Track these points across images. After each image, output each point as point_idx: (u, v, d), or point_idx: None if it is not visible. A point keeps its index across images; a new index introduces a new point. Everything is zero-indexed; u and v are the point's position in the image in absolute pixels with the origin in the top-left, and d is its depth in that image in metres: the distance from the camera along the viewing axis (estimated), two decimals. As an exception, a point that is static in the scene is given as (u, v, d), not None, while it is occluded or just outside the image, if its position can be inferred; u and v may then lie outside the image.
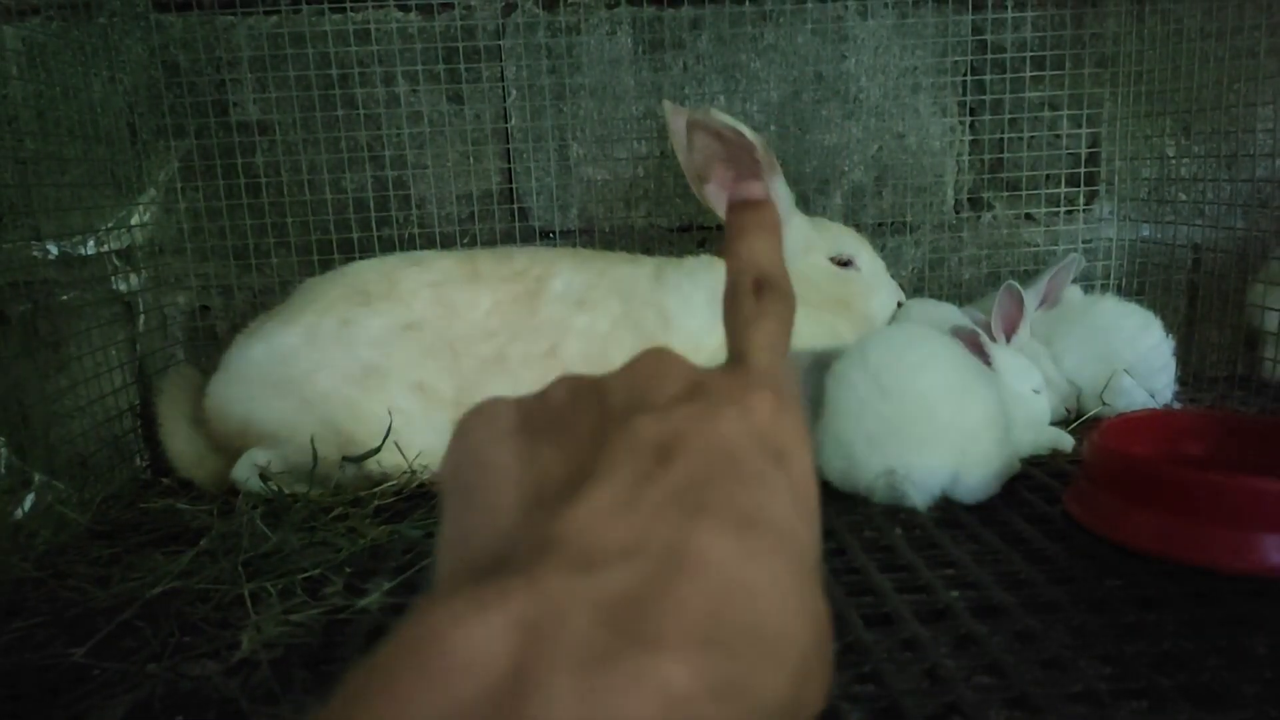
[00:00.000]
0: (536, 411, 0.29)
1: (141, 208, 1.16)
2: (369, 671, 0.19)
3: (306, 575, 0.72)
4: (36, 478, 0.90)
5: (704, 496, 0.24)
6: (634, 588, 0.21)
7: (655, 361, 0.29)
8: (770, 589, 0.23)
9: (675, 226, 1.29)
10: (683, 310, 1.01)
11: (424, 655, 0.19)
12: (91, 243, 1.06)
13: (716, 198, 1.07)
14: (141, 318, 1.16)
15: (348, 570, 0.74)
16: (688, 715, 0.19)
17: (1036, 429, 0.98)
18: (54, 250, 1.01)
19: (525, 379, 0.95)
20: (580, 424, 0.28)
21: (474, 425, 0.30)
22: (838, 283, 1.10)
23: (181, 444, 0.99)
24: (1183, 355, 1.10)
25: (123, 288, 1.13)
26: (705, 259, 1.09)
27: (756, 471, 0.26)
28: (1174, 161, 1.30)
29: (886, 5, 1.25)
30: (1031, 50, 1.27)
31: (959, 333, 0.96)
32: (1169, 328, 1.09)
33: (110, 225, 1.10)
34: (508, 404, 0.30)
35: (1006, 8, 1.26)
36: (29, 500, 0.88)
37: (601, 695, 0.18)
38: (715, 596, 0.21)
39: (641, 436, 0.26)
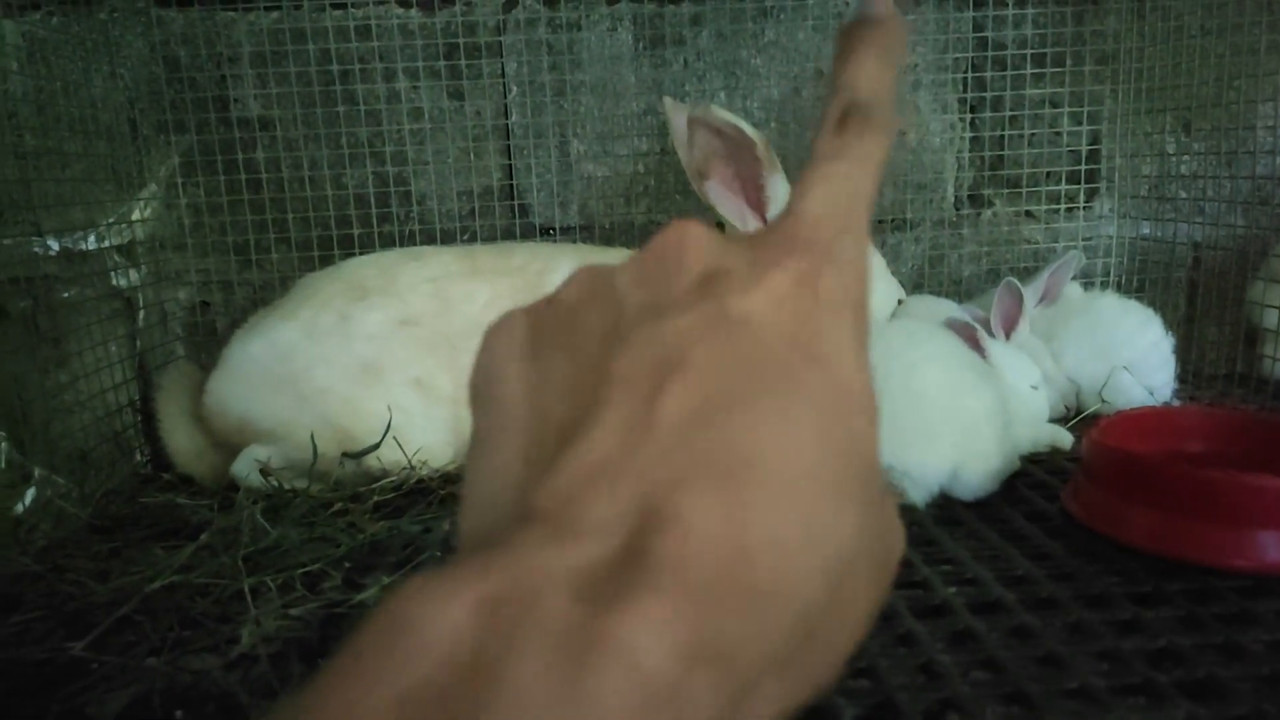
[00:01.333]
0: (547, 320, 0.26)
1: (142, 203, 1.16)
2: (344, 653, 0.19)
3: (306, 570, 0.72)
4: (36, 472, 0.90)
5: (696, 443, 0.21)
6: (609, 559, 0.20)
7: (676, 240, 0.25)
8: (765, 547, 0.20)
9: (675, 223, 1.29)
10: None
11: (390, 636, 0.19)
12: (92, 238, 1.07)
13: (716, 194, 1.07)
14: (142, 313, 1.16)
15: (347, 565, 0.74)
16: (663, 687, 0.18)
17: (1035, 425, 0.98)
18: (55, 246, 1.01)
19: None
20: (591, 332, 0.25)
21: (490, 344, 0.27)
22: (837, 280, 1.10)
23: (181, 439, 0.99)
24: (1182, 352, 1.10)
25: (123, 283, 1.13)
26: (705, 255, 1.09)
27: (770, 395, 0.22)
28: (1174, 159, 1.30)
29: (887, 2, 1.25)
30: (1032, 47, 1.27)
31: (954, 325, 0.96)
32: (1168, 325, 1.09)
33: (111, 221, 1.10)
34: (521, 314, 0.27)
35: (1007, 5, 1.26)
36: (29, 495, 0.88)
37: (569, 673, 0.18)
38: (695, 562, 0.20)
39: (641, 356, 0.22)
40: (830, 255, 0.24)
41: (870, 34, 0.29)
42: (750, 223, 1.07)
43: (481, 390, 0.26)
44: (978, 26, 1.27)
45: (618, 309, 0.24)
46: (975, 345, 0.95)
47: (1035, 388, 0.98)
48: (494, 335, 0.26)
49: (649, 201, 1.29)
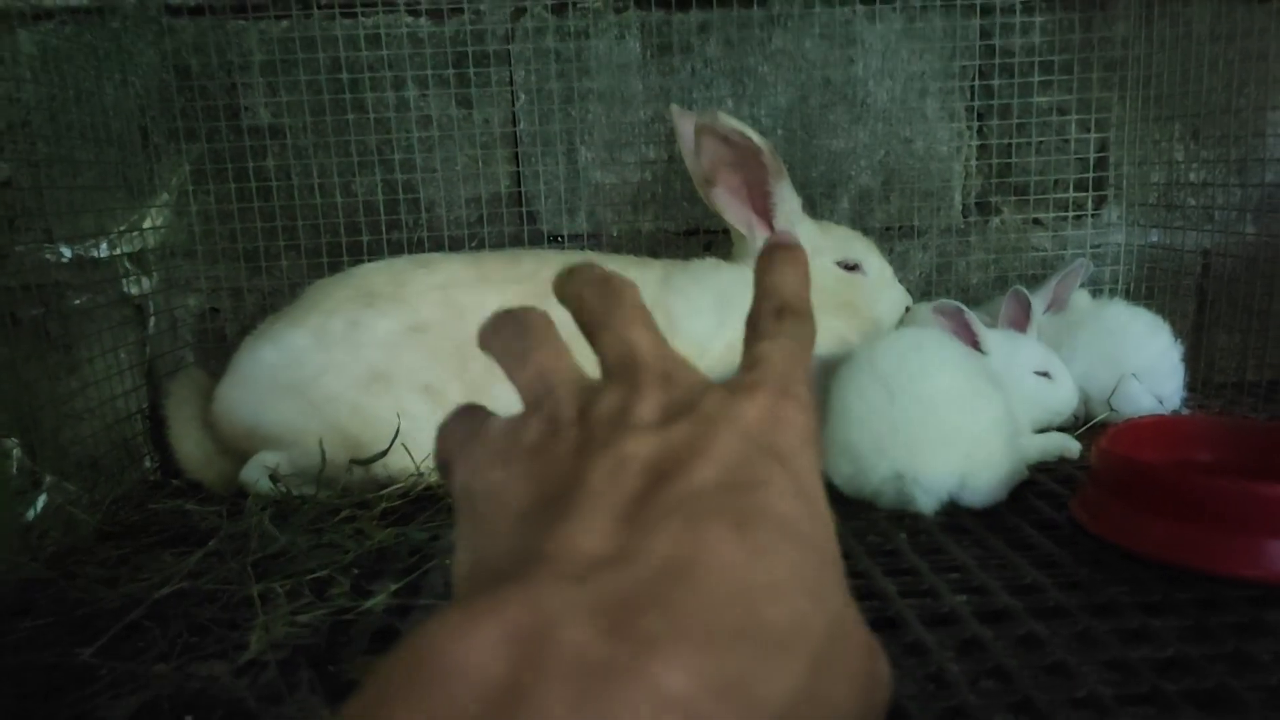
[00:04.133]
0: (520, 434, 0.31)
1: (153, 211, 1.17)
2: (371, 686, 0.20)
3: (314, 576, 0.73)
4: (47, 479, 0.91)
5: (701, 506, 0.24)
6: (628, 593, 0.21)
7: (632, 377, 0.31)
8: (773, 586, 0.23)
9: (682, 230, 1.30)
10: (688, 313, 1.02)
11: (419, 667, 0.20)
12: (104, 245, 1.07)
13: (724, 202, 1.07)
14: (152, 320, 1.17)
15: (355, 572, 0.74)
16: (685, 717, 0.19)
17: (1048, 415, 0.97)
18: (66, 253, 1.01)
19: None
20: (564, 445, 0.29)
21: (470, 450, 0.32)
22: (845, 287, 1.10)
23: (191, 446, 1.00)
24: (1191, 361, 1.10)
25: (134, 290, 1.14)
26: (711, 262, 1.09)
27: (755, 477, 0.26)
28: (1183, 166, 1.30)
29: (894, 9, 1.25)
30: (1040, 55, 1.27)
31: (942, 309, 0.95)
32: (1178, 333, 1.08)
33: (122, 228, 1.11)
34: (494, 426, 0.33)
35: (1015, 12, 1.26)
36: (40, 501, 0.89)
37: (595, 701, 0.18)
38: (713, 598, 0.21)
39: (630, 455, 0.27)
40: (782, 389, 0.31)
41: (784, 253, 0.37)
42: (756, 229, 1.07)
43: (467, 483, 0.31)
44: (985, 34, 1.27)
45: (588, 428, 0.30)
46: (965, 332, 0.95)
47: (1043, 374, 0.97)
48: (470, 436, 0.34)
49: (656, 209, 1.29)
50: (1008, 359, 0.98)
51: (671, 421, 0.28)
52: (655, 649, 0.20)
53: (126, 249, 1.11)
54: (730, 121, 1.00)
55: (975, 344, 0.97)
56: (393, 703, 0.19)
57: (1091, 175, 1.31)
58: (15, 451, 0.89)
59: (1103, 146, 1.31)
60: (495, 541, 0.28)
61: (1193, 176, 1.29)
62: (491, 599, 0.21)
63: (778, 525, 0.25)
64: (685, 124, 1.08)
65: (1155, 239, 1.32)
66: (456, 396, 0.95)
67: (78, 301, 1.03)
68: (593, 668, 0.19)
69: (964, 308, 0.96)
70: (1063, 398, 1.00)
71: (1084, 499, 0.79)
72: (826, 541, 0.27)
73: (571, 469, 0.28)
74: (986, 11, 1.25)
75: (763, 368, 0.31)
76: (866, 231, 1.21)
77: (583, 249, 1.28)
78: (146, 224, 1.15)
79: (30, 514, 0.87)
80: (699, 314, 1.02)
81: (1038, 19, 1.26)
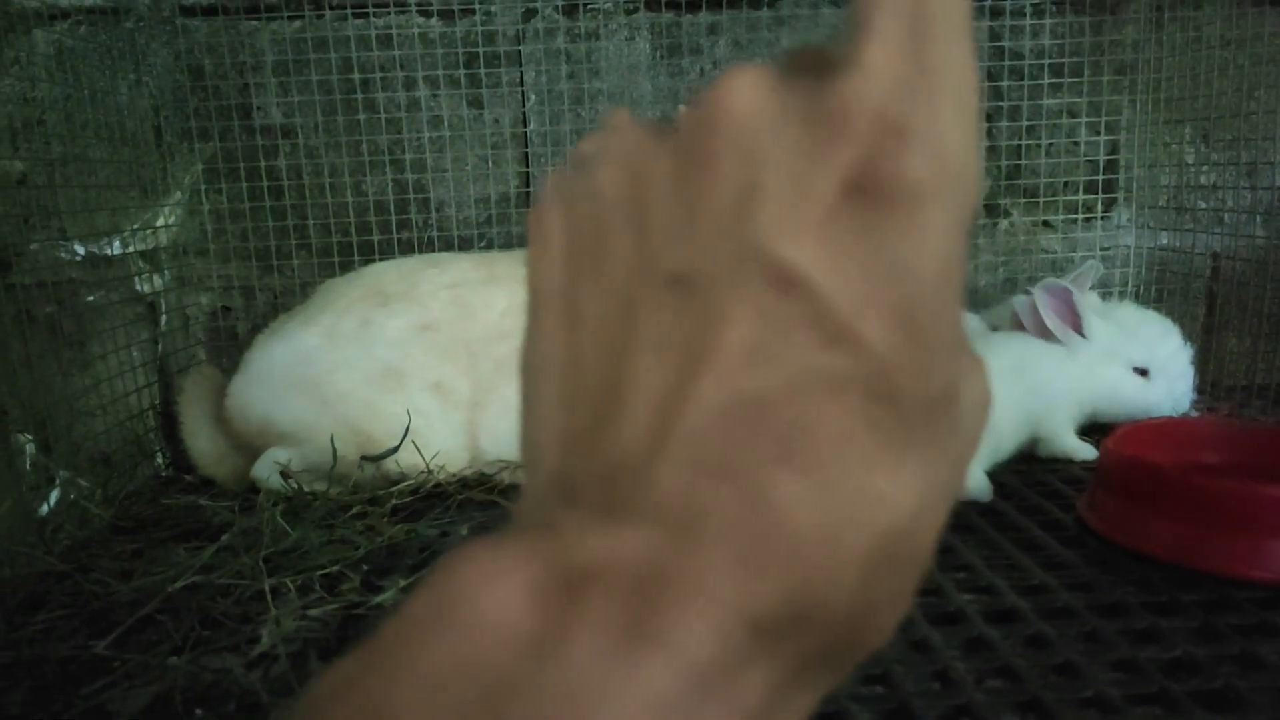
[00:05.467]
0: (582, 228, 0.23)
1: (166, 209, 1.18)
2: (395, 624, 0.20)
3: (325, 572, 0.73)
4: (60, 474, 0.92)
5: (735, 424, 0.19)
6: (655, 549, 0.20)
7: (715, 118, 0.21)
8: (815, 538, 0.19)
9: (692, 231, 1.30)
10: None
11: (445, 611, 0.19)
12: (117, 243, 1.08)
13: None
14: (164, 318, 1.17)
15: (365, 567, 0.75)
16: (715, 676, 0.18)
17: (1136, 413, 0.95)
18: (80, 250, 1.02)
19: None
20: (621, 258, 0.22)
21: (532, 262, 0.24)
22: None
23: (203, 442, 1.01)
24: (1201, 363, 1.10)
25: (146, 288, 1.14)
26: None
27: (817, 366, 0.19)
28: (1193, 169, 1.30)
29: (904, 12, 1.25)
30: (1050, 57, 1.27)
31: (1050, 288, 0.93)
32: (1187, 336, 1.08)
33: (136, 227, 1.12)
34: (558, 214, 0.24)
35: (1025, 14, 1.26)
36: (53, 496, 0.90)
37: (624, 660, 0.18)
38: (744, 554, 0.19)
39: (671, 318, 0.20)
40: (903, 132, 0.19)
41: None
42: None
43: (528, 320, 0.24)
44: (995, 36, 1.27)
45: (646, 223, 0.21)
46: (1070, 314, 0.94)
47: (1141, 371, 0.95)
48: (535, 243, 0.24)
49: (666, 209, 1.29)
50: (1109, 350, 0.96)
51: (725, 233, 0.20)
52: (684, 613, 0.19)
53: (139, 247, 1.12)
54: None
55: (1078, 326, 0.95)
56: (416, 645, 0.19)
57: (1101, 178, 1.31)
58: (29, 447, 0.90)
59: (1113, 149, 1.31)
60: (545, 427, 0.23)
61: (1203, 179, 1.29)
62: (523, 546, 0.20)
63: (824, 452, 0.19)
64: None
65: (1165, 241, 1.32)
66: (466, 394, 0.96)
67: (91, 299, 1.04)
68: (620, 629, 0.19)
69: (1072, 288, 0.95)
70: (1154, 401, 0.97)
71: (1091, 500, 0.79)
72: (933, 401, 0.20)
73: (624, 305, 0.21)
74: (996, 14, 1.26)
75: (865, 70, 0.19)
76: (875, 233, 1.21)
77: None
78: (159, 222, 1.16)
79: (44, 508, 0.88)
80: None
81: (1048, 21, 1.26)
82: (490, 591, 0.19)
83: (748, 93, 0.20)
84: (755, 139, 0.20)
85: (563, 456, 0.22)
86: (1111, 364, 0.96)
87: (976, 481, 0.84)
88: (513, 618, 0.19)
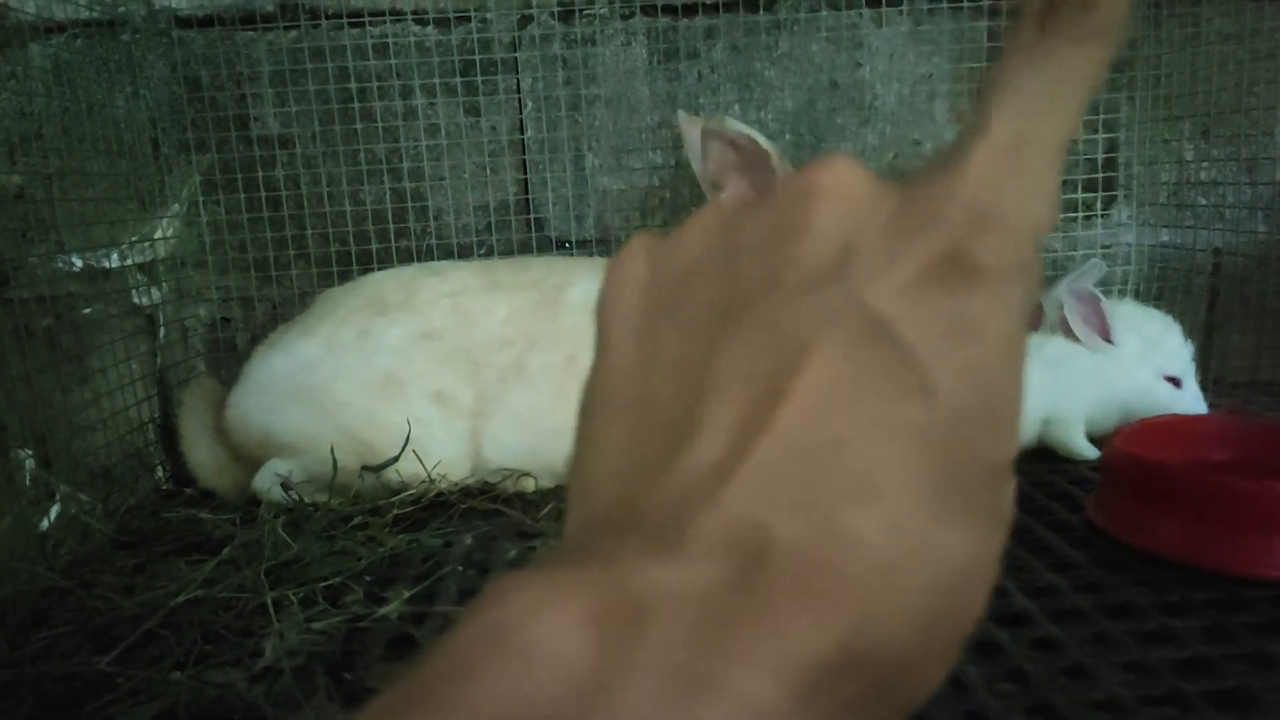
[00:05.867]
0: (665, 274, 0.24)
1: (164, 221, 1.17)
2: (443, 652, 0.19)
3: (327, 584, 0.73)
4: (61, 489, 0.91)
5: (812, 462, 0.19)
6: (720, 586, 0.19)
7: (814, 189, 0.22)
8: (881, 582, 0.19)
9: (691, 235, 1.30)
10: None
11: (502, 641, 0.18)
12: (115, 256, 1.08)
13: (732, 206, 1.07)
14: (163, 330, 1.17)
15: (368, 579, 0.75)
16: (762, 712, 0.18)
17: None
18: (78, 264, 1.02)
19: (543, 387, 0.96)
20: (706, 301, 0.22)
21: (607, 299, 0.25)
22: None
23: (203, 455, 1.00)
24: (1203, 360, 1.09)
25: (144, 301, 1.14)
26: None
27: (892, 407, 0.20)
28: (1193, 165, 1.29)
29: (901, 13, 1.25)
30: (1047, 56, 1.26)
31: (1078, 293, 0.94)
32: (1189, 333, 1.08)
33: (134, 239, 1.11)
34: (642, 261, 0.25)
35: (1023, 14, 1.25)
36: (54, 511, 0.89)
37: (683, 706, 0.18)
38: (809, 598, 0.19)
39: (757, 350, 0.21)
40: (992, 223, 0.20)
41: None
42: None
43: (597, 345, 0.25)
44: (993, 36, 1.26)
45: (736, 275, 0.22)
46: (1099, 319, 0.94)
47: (1174, 380, 0.95)
48: (612, 286, 0.25)
49: (664, 214, 1.29)
50: (1137, 357, 0.96)
51: (819, 283, 0.21)
52: (748, 661, 0.18)
53: (137, 259, 1.12)
54: (737, 125, 1.00)
55: (1107, 335, 0.95)
56: (465, 678, 0.18)
57: (1101, 175, 1.31)
58: (29, 462, 0.90)
59: (1112, 146, 1.31)
60: (608, 459, 0.23)
61: (1203, 175, 1.29)
62: (576, 576, 0.19)
63: (890, 501, 0.20)
64: (692, 130, 1.08)
65: (1166, 238, 1.32)
66: (467, 402, 0.96)
67: (89, 312, 1.04)
68: (682, 670, 0.18)
69: (1100, 294, 0.95)
70: (1186, 410, 0.97)
71: (1099, 500, 0.78)
72: (988, 465, 0.21)
73: (706, 344, 0.22)
74: (994, 14, 1.25)
75: (973, 161, 0.21)
76: (875, 234, 1.20)
77: (591, 254, 1.28)
78: (157, 234, 1.16)
79: (45, 524, 0.88)
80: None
81: (1045, 20, 1.26)
82: (544, 620, 0.18)
83: (847, 170, 0.22)
84: (854, 208, 0.22)
85: (626, 486, 0.22)
86: (1139, 371, 0.96)
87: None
88: (568, 650, 0.18)
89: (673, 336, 0.23)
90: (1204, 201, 1.28)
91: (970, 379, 0.20)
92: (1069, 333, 0.97)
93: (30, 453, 0.90)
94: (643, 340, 0.24)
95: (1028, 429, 0.96)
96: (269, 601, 0.69)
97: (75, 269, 1.02)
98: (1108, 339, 0.96)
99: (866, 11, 1.26)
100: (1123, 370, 0.96)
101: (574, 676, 0.18)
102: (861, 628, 0.19)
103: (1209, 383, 1.18)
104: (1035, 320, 1.04)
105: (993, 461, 0.21)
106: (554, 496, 0.94)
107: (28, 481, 0.89)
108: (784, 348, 0.20)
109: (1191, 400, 0.98)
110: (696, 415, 0.21)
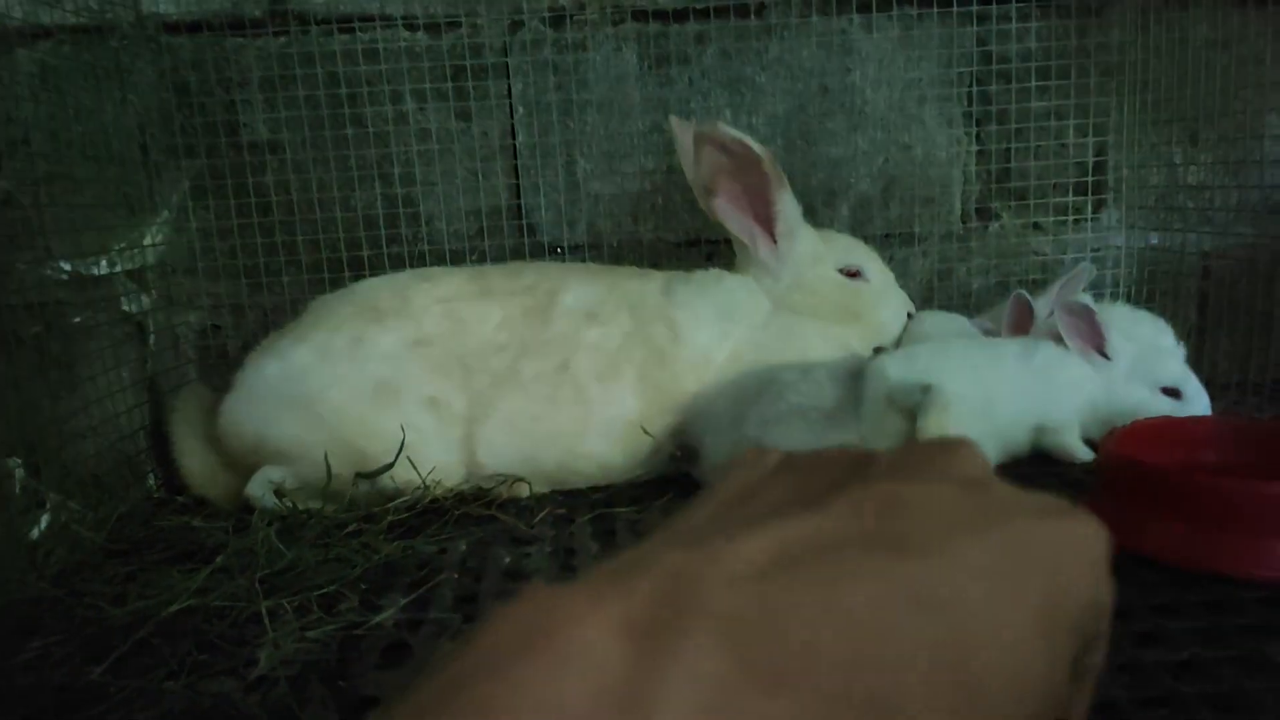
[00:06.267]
0: (804, 459, 0.31)
1: (154, 228, 1.17)
2: (474, 650, 0.19)
3: (322, 591, 0.72)
4: (50, 497, 0.90)
5: (900, 561, 0.23)
6: (767, 616, 0.20)
7: (944, 452, 0.30)
8: (925, 663, 0.21)
9: (682, 240, 1.30)
10: (692, 324, 1.02)
11: (536, 643, 0.18)
12: (104, 263, 1.07)
13: (724, 211, 1.07)
14: (153, 337, 1.16)
15: (363, 586, 0.74)
16: None
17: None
18: (67, 270, 1.01)
19: (537, 393, 0.96)
20: (835, 473, 0.29)
21: (718, 487, 0.31)
22: (847, 294, 1.10)
23: (195, 462, 1.00)
24: (1194, 362, 1.10)
25: (134, 308, 1.13)
26: (715, 273, 1.09)
27: (992, 572, 0.24)
28: (1181, 169, 1.30)
29: (890, 17, 1.26)
30: (1036, 60, 1.27)
31: (1070, 309, 0.95)
32: (1179, 335, 1.09)
33: (122, 245, 1.11)
34: (734, 472, 0.32)
35: (1011, 19, 1.26)
36: (44, 520, 0.89)
37: None
38: (862, 656, 0.20)
39: (879, 490, 0.26)
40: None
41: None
42: (758, 239, 1.07)
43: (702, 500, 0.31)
44: (981, 40, 1.27)
45: (861, 472, 0.29)
46: (1093, 334, 0.95)
47: (1172, 392, 0.96)
48: (720, 487, 0.31)
49: (656, 219, 1.29)
50: (1135, 371, 0.97)
51: (939, 480, 0.28)
52: (782, 691, 0.18)
53: (126, 266, 1.11)
54: (730, 130, 1.01)
55: (1101, 349, 0.96)
56: (497, 677, 0.18)
57: (1090, 179, 1.32)
58: (18, 471, 0.89)
59: (1101, 150, 1.32)
60: (694, 515, 0.28)
61: (1191, 179, 1.30)
62: (622, 586, 0.20)
63: (951, 609, 0.23)
64: (684, 135, 1.09)
65: (1155, 241, 1.33)
66: (460, 409, 0.95)
67: (78, 319, 1.03)
68: (719, 689, 0.18)
69: (1094, 308, 0.96)
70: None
71: (1092, 503, 0.78)
72: (1014, 657, 0.24)
73: (828, 487, 0.27)
74: (983, 19, 1.26)
75: None
76: (866, 238, 1.21)
77: (584, 260, 1.28)
78: (147, 241, 1.15)
79: (35, 533, 0.87)
80: (702, 324, 1.02)
81: (1033, 25, 1.27)
82: (581, 625, 0.19)
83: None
84: (868, 457, 0.31)
85: (708, 523, 0.27)
86: (1135, 385, 0.97)
87: None
88: (602, 658, 0.18)
89: (795, 477, 0.30)
90: (1192, 205, 1.29)
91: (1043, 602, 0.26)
92: (1060, 341, 0.97)
93: (19, 461, 0.89)
94: (773, 470, 0.31)
95: (1020, 435, 0.95)
96: (263, 610, 0.68)
97: (64, 276, 1.01)
98: (1102, 352, 0.96)
99: (856, 17, 1.26)
100: (1116, 384, 0.97)
101: (607, 685, 0.18)
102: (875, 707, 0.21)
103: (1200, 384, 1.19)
104: (1025, 324, 1.04)
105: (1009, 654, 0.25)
106: (548, 502, 0.94)
107: (17, 490, 0.88)
108: (896, 492, 0.27)
109: (1196, 408, 0.97)
110: (805, 505, 0.26)
